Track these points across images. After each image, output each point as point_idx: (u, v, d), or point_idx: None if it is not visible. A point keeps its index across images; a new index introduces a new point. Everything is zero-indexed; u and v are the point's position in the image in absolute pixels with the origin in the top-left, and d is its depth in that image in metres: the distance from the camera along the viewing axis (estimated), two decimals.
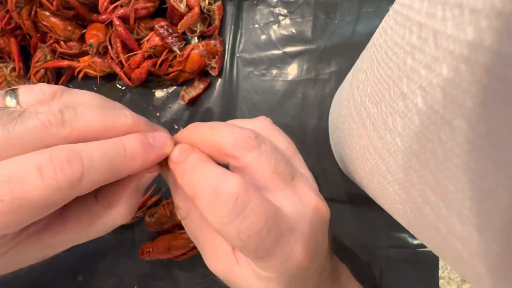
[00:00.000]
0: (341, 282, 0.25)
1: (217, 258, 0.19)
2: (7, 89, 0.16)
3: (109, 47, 0.40)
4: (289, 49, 0.39)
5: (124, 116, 0.17)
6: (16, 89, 0.16)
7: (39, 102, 0.16)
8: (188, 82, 0.42)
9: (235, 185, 0.16)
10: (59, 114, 0.15)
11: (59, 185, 0.13)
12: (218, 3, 0.40)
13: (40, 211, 0.14)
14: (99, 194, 0.18)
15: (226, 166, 0.18)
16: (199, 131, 0.19)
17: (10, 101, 0.16)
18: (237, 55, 0.41)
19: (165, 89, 0.43)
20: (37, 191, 0.13)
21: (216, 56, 0.39)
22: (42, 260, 0.18)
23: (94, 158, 0.15)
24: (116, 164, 0.16)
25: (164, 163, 0.19)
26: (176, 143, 0.19)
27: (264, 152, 0.18)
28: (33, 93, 0.16)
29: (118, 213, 0.18)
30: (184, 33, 0.41)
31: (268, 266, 0.17)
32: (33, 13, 0.39)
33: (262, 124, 0.21)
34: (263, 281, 0.18)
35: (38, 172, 0.13)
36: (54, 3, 0.37)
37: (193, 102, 0.41)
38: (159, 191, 0.42)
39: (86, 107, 0.16)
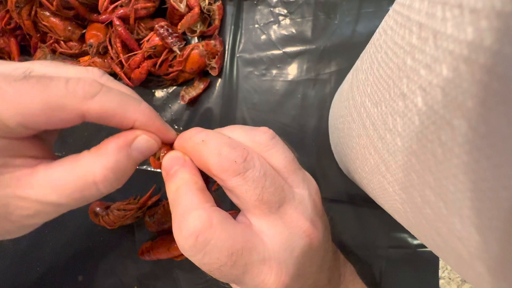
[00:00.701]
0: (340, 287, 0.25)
1: None
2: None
3: (109, 47, 0.40)
4: (289, 49, 0.39)
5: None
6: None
7: None
8: (188, 82, 0.42)
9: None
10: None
11: (76, 93, 0.16)
12: (218, 3, 0.40)
13: (55, 109, 0.16)
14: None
15: None
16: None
17: None
18: (237, 55, 0.41)
19: (165, 89, 0.43)
20: (59, 92, 0.16)
21: (216, 56, 0.39)
22: (18, 225, 0.17)
23: (112, 90, 0.17)
24: (127, 104, 0.17)
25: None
26: (172, 148, 0.19)
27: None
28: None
29: (102, 163, 0.17)
30: (184, 33, 0.41)
31: None
32: (33, 13, 0.39)
33: (261, 138, 0.20)
34: None
35: (65, 81, 0.16)
36: (54, 3, 0.37)
37: (193, 102, 0.41)
38: (159, 191, 0.42)
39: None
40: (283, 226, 0.18)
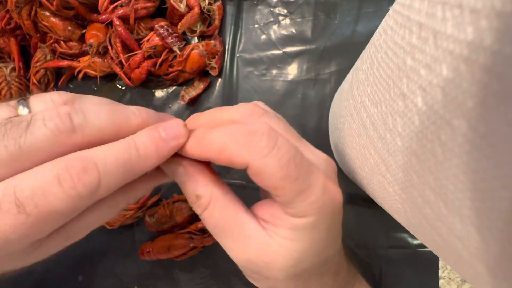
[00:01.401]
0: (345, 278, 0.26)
1: (248, 242, 0.19)
2: (19, 98, 0.17)
3: (109, 47, 0.40)
4: (289, 49, 0.39)
5: (133, 115, 0.17)
6: (28, 98, 0.17)
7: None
8: (188, 82, 0.42)
9: (264, 124, 0.17)
10: (67, 119, 0.15)
11: (79, 194, 0.14)
12: (218, 3, 0.40)
13: (64, 218, 0.15)
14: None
15: None
16: (207, 114, 0.20)
17: (22, 110, 0.16)
18: (237, 55, 0.41)
19: (165, 89, 0.43)
20: (60, 201, 0.14)
21: (216, 56, 0.39)
22: (62, 248, 0.19)
23: (108, 163, 0.15)
24: (131, 165, 0.16)
25: (171, 158, 0.19)
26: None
27: (273, 116, 0.19)
28: (45, 101, 0.17)
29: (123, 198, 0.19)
30: (184, 33, 0.41)
31: (309, 203, 0.17)
32: (33, 13, 0.39)
33: (257, 103, 0.22)
34: (303, 235, 0.18)
35: (58, 183, 0.14)
36: (54, 3, 0.37)
37: (193, 102, 0.41)
38: (159, 191, 0.42)
39: (95, 107, 0.16)
40: (310, 152, 0.20)
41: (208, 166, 0.20)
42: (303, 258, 0.18)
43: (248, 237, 0.19)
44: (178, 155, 0.19)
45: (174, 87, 0.42)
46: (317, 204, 0.18)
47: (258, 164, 0.17)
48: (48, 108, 0.16)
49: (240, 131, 0.17)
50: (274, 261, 0.18)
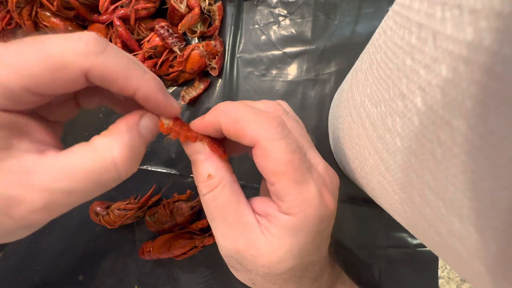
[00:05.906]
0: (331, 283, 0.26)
1: (242, 232, 0.19)
2: None
3: None
4: (289, 49, 0.39)
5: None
6: None
7: None
8: (188, 83, 0.42)
9: (281, 116, 0.19)
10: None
11: (77, 49, 0.15)
12: (218, 3, 0.40)
13: (58, 68, 0.15)
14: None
15: None
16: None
17: None
18: (237, 56, 0.41)
19: None
20: (61, 48, 0.15)
21: (216, 57, 0.39)
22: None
23: (119, 52, 0.16)
24: (132, 69, 0.16)
25: (190, 135, 0.20)
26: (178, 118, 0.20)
27: (291, 117, 0.21)
28: None
29: (118, 142, 0.16)
30: (184, 34, 0.41)
31: (301, 200, 0.18)
32: (33, 13, 0.39)
33: (280, 102, 0.23)
34: (289, 234, 0.18)
35: (64, 38, 0.15)
36: (55, 3, 0.37)
37: (194, 102, 0.41)
38: (159, 191, 0.42)
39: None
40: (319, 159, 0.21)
41: (224, 153, 0.20)
42: (285, 258, 0.18)
43: (243, 228, 0.19)
44: (201, 135, 0.20)
45: (175, 88, 0.43)
46: (309, 203, 0.18)
47: (268, 144, 0.18)
48: None
49: (261, 112, 0.19)
50: (259, 256, 0.19)
